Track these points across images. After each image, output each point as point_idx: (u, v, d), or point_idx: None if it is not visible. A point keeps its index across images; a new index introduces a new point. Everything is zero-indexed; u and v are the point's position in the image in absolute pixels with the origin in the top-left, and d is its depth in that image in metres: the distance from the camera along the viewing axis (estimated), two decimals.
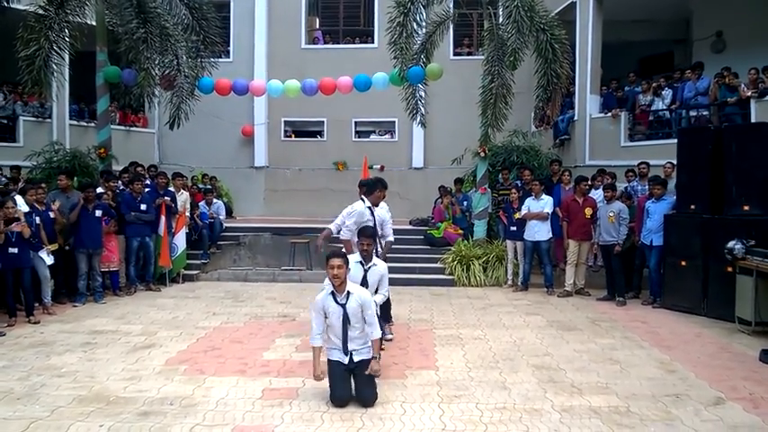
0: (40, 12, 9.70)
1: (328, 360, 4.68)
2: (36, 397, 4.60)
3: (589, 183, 9.26)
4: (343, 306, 4.57)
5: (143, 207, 9.25)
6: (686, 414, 4.35)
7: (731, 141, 7.70)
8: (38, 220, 7.57)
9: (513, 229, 9.67)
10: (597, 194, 9.54)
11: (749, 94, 9.94)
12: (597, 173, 10.17)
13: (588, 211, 8.96)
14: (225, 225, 11.98)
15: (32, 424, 4.08)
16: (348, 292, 4.61)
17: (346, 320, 4.56)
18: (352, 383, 4.59)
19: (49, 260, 7.65)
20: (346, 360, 4.62)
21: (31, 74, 9.54)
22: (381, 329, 4.92)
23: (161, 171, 10.79)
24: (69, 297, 8.41)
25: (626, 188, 9.87)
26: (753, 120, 9.66)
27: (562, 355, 5.91)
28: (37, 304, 7.59)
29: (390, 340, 6.08)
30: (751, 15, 11.97)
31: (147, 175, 10.80)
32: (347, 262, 4.70)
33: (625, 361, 5.69)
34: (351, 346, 4.61)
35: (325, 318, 4.63)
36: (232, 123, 16.22)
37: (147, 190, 9.61)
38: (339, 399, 4.47)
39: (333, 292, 4.62)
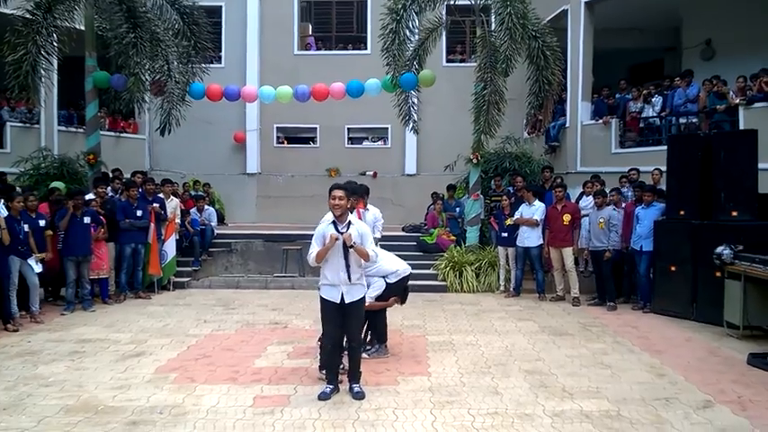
0: (28, 16, 9.64)
1: (321, 298, 4.84)
2: (22, 407, 4.54)
3: (561, 189, 9.27)
4: (343, 234, 4.68)
5: (139, 213, 9.21)
6: (676, 417, 4.38)
7: (720, 148, 7.78)
8: (26, 227, 7.47)
9: (505, 235, 9.69)
10: (588, 201, 9.58)
11: (737, 101, 10.05)
12: (591, 179, 10.21)
13: (566, 218, 8.98)
14: (216, 232, 11.91)
15: None
16: (349, 222, 4.78)
17: (346, 249, 4.69)
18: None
19: (38, 268, 7.58)
20: (338, 299, 4.73)
21: (19, 79, 9.49)
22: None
23: (149, 177, 10.69)
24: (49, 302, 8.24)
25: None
26: (741, 127, 9.76)
27: (553, 360, 5.92)
28: (24, 312, 7.53)
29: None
30: (739, 24, 12.12)
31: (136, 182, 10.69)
32: (349, 195, 4.88)
33: (616, 365, 5.71)
34: (352, 278, 4.74)
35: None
36: (224, 130, 16.16)
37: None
38: (331, 336, 4.74)
39: (334, 222, 4.75)
